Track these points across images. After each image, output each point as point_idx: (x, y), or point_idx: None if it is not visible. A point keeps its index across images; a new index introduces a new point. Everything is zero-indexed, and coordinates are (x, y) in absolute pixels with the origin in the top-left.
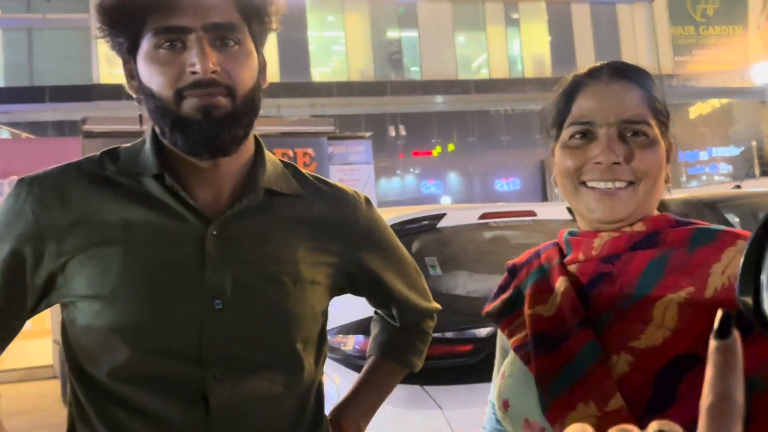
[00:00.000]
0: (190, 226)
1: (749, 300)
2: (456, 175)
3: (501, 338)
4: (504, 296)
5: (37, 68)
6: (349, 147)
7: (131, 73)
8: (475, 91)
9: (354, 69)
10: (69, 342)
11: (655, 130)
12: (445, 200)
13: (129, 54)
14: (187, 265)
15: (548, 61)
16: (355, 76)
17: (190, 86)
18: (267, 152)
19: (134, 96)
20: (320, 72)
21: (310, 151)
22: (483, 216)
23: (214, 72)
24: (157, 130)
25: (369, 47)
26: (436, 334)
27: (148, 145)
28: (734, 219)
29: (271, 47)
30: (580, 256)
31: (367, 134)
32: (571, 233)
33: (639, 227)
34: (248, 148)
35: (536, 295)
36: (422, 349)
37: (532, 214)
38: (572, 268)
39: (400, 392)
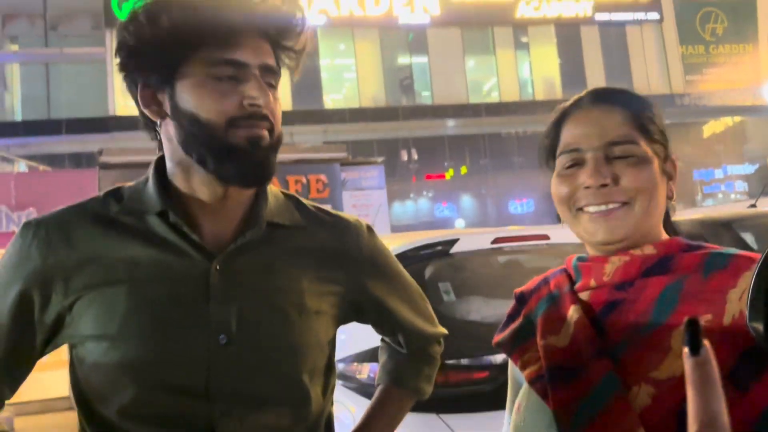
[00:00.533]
0: (194, 261)
1: (760, 326)
2: (469, 198)
3: (513, 369)
4: (514, 326)
5: (54, 101)
6: (362, 172)
7: (154, 100)
8: (486, 114)
9: (365, 95)
10: (77, 380)
11: (644, 148)
12: (459, 223)
13: (162, 82)
14: (191, 301)
15: (558, 83)
16: (367, 102)
17: (245, 117)
18: (268, 185)
19: (154, 120)
20: (332, 99)
21: (323, 177)
22: (496, 240)
23: (266, 106)
24: (194, 156)
25: (380, 73)
26: (452, 362)
27: (151, 183)
28: (750, 238)
29: (284, 76)
30: (592, 283)
31: (380, 159)
32: (580, 259)
33: (649, 251)
34: None
35: (548, 325)
36: (431, 375)
37: (546, 237)
38: (583, 295)
39: (416, 420)
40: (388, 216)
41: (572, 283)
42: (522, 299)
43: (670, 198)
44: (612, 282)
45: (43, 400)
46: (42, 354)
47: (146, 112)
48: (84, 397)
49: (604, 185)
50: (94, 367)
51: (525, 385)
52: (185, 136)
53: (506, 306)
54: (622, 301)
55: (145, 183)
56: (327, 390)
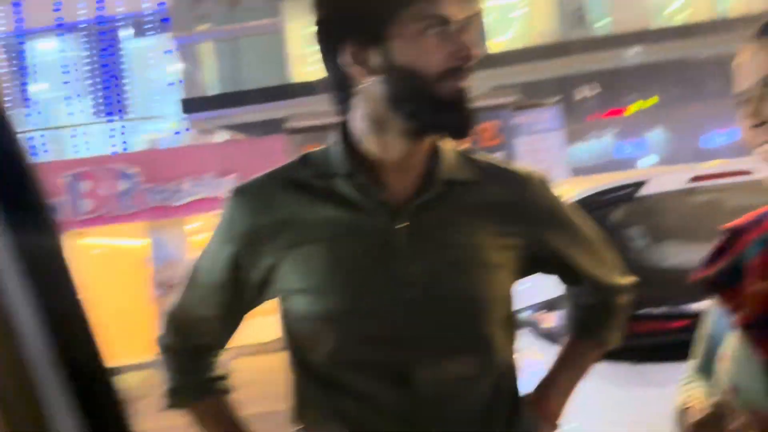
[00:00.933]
0: (380, 219)
1: None
2: (659, 133)
3: (713, 312)
4: (721, 264)
5: (241, 74)
6: (535, 116)
7: (363, 58)
8: (674, 38)
9: (535, 32)
10: (287, 329)
11: None
12: (646, 161)
13: (374, 39)
14: (381, 257)
15: None
16: (537, 39)
17: (457, 68)
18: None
19: (355, 81)
20: (500, 42)
21: (494, 124)
22: (695, 179)
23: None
24: (404, 111)
25: (550, 7)
26: (647, 311)
27: (338, 147)
28: None
29: None
30: None
31: (553, 100)
32: None
33: None
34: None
35: (764, 269)
36: (618, 325)
37: (747, 173)
38: None
39: (610, 369)
40: (566, 159)
41: None
42: (732, 236)
43: None
44: None
45: (257, 344)
46: (252, 307)
47: (352, 71)
48: (292, 344)
49: None
50: (299, 319)
51: (731, 335)
52: (397, 91)
53: (706, 250)
54: None
55: (331, 147)
56: (510, 341)
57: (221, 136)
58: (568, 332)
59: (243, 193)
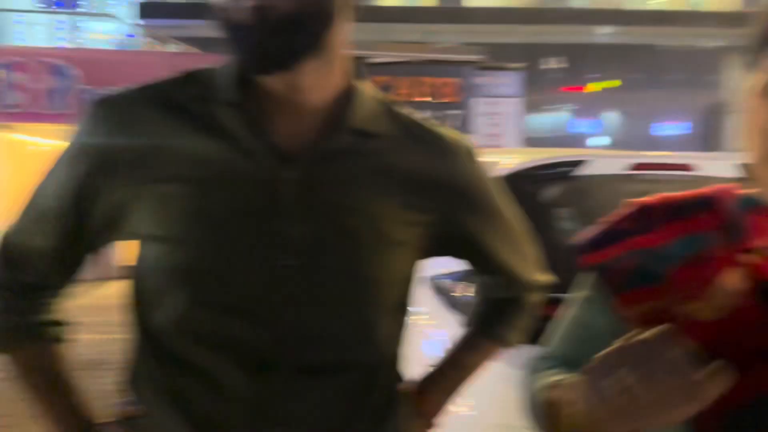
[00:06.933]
0: (266, 165)
1: None
2: (615, 115)
3: (595, 299)
4: (625, 251)
5: None
6: (497, 78)
7: None
8: (647, 23)
9: None
10: (134, 283)
11: None
12: (599, 141)
13: None
14: (258, 212)
15: None
16: (515, 2)
17: None
18: (363, 85)
19: None
20: None
21: (456, 81)
22: (638, 166)
23: None
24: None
25: None
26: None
27: (229, 69)
28: None
29: None
30: (761, 244)
31: (518, 65)
32: (747, 203)
33: None
34: (336, 76)
35: (688, 283)
36: (522, 325)
37: (691, 168)
38: (745, 257)
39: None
40: (521, 128)
41: (728, 233)
42: (645, 218)
43: None
44: None
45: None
46: (98, 246)
47: None
48: (136, 301)
49: None
50: (148, 272)
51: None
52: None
53: None
54: None
55: (224, 68)
56: (397, 330)
57: (174, 48)
58: (468, 327)
59: (106, 105)
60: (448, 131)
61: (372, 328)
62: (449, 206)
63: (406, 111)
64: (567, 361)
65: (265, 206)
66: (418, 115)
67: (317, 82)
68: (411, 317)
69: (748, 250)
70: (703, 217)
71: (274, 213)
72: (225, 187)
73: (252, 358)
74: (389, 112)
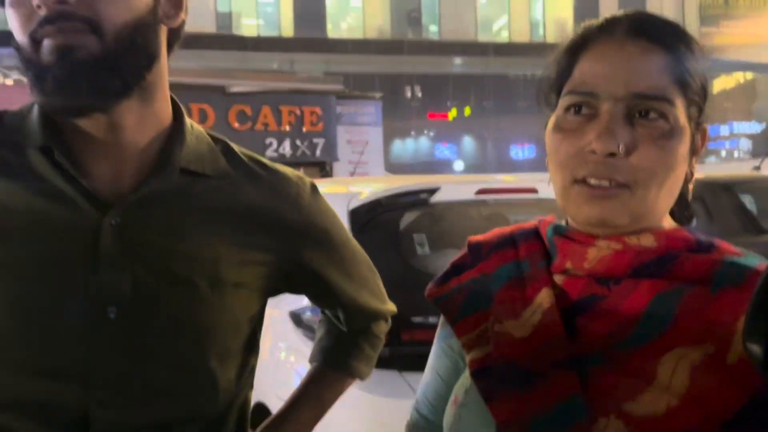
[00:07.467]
0: (83, 213)
1: (758, 348)
2: (471, 140)
3: (448, 338)
4: (460, 283)
5: None
6: (359, 107)
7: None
8: (495, 54)
9: (371, 26)
10: None
11: (678, 112)
12: (458, 165)
13: None
14: (75, 263)
15: (571, 26)
16: (372, 33)
17: (39, 25)
18: (190, 122)
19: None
20: (336, 29)
21: (317, 109)
22: (480, 192)
23: (62, 2)
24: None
25: (387, 4)
26: (419, 319)
27: (35, 110)
28: (751, 202)
29: (286, 1)
30: (568, 265)
31: (378, 95)
32: (557, 230)
33: (648, 242)
34: (162, 115)
35: (507, 304)
36: (371, 356)
37: (533, 191)
38: (557, 278)
39: (376, 376)
40: (384, 155)
41: (548, 256)
42: (477, 252)
43: (688, 180)
44: (593, 271)
45: None
46: None
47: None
48: None
49: (612, 155)
50: None
51: (466, 374)
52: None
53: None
54: (602, 299)
55: (30, 108)
56: (243, 374)
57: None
58: (316, 361)
59: None
60: (287, 169)
61: (209, 377)
62: (289, 244)
63: (240, 149)
64: (428, 419)
65: (81, 255)
66: (256, 155)
67: (138, 122)
68: (277, 353)
69: (562, 272)
70: (526, 244)
71: (92, 262)
72: (39, 239)
73: (73, 422)
74: (223, 150)
